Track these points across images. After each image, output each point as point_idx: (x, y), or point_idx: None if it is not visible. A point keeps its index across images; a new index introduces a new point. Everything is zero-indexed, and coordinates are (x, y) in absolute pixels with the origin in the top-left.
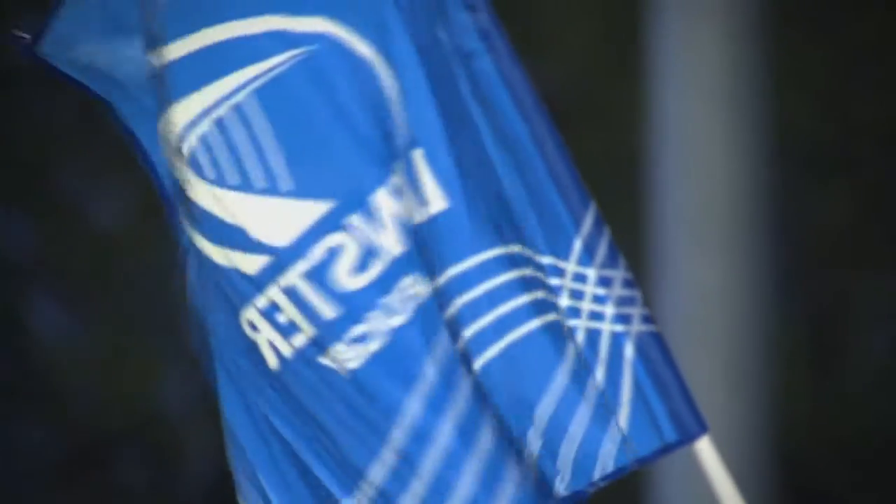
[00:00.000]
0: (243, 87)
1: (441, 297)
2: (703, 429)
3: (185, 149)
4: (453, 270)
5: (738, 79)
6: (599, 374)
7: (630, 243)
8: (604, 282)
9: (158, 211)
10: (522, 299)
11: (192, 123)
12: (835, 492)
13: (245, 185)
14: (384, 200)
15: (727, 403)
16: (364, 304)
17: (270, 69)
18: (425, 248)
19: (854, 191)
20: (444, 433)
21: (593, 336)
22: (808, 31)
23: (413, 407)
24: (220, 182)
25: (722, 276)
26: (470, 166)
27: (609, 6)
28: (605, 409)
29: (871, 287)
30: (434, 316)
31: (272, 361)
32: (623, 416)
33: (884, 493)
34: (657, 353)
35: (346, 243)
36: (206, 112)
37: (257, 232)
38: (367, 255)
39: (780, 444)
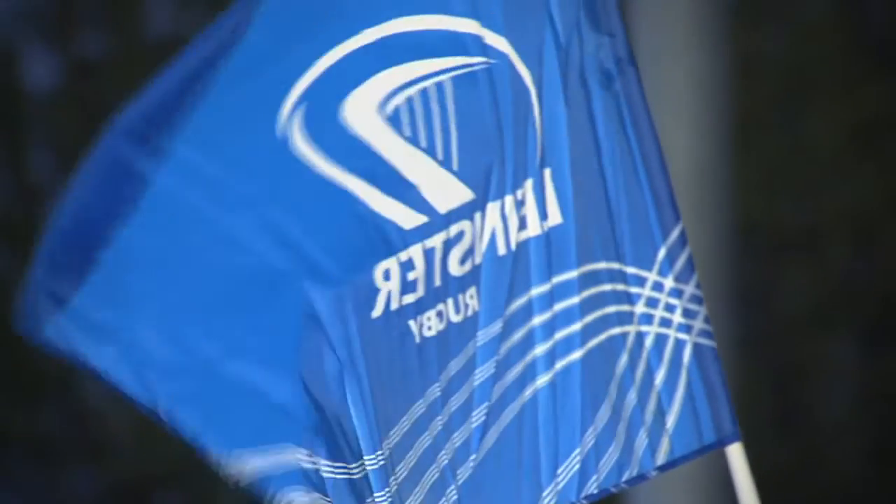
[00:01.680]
0: (447, 71)
1: (540, 302)
2: (736, 436)
3: (389, 106)
4: (557, 279)
5: (712, 191)
6: (660, 376)
7: None
8: (676, 293)
9: None
10: (608, 309)
11: (401, 87)
12: None
13: (430, 151)
14: (507, 207)
15: (695, 462)
16: (455, 289)
17: (468, 65)
18: (536, 256)
19: (812, 267)
20: (484, 425)
21: (660, 341)
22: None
23: (452, 386)
24: (413, 140)
25: None
26: (585, 185)
27: None
28: (641, 416)
29: (828, 351)
30: (520, 319)
31: (377, 311)
32: (672, 416)
33: None
34: (710, 364)
35: (466, 232)
36: (414, 81)
37: (427, 193)
38: (471, 250)
39: None
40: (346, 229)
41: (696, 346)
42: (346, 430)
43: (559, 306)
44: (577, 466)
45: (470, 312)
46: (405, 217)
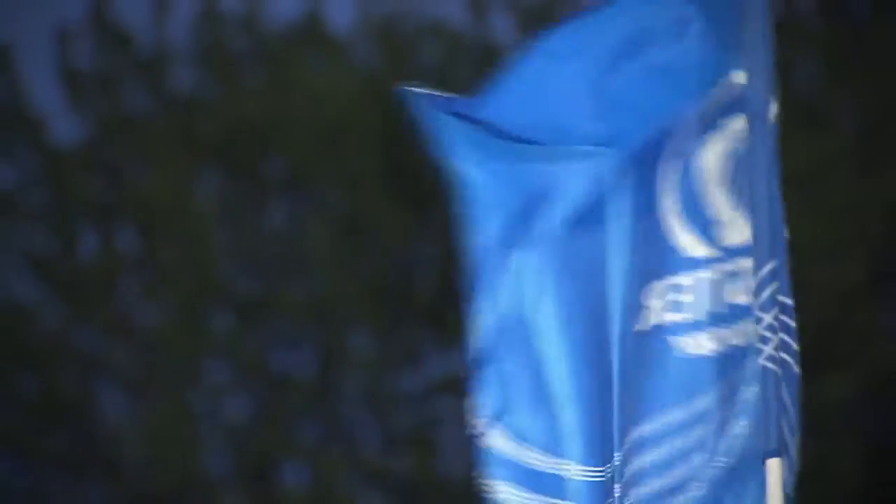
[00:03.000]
0: (741, 132)
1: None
2: (777, 453)
3: (728, 166)
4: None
5: None
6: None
7: None
8: (756, 319)
9: (192, 314)
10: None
11: (732, 145)
12: None
13: (737, 199)
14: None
15: None
16: (730, 318)
17: (739, 132)
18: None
19: None
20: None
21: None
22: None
23: (697, 405)
24: (731, 190)
25: None
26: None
27: None
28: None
29: None
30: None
31: (644, 325)
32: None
33: None
34: (770, 386)
35: (746, 269)
36: (737, 138)
37: (725, 230)
38: (748, 286)
39: None
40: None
41: (764, 370)
42: (605, 434)
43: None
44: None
45: (747, 340)
46: (696, 246)
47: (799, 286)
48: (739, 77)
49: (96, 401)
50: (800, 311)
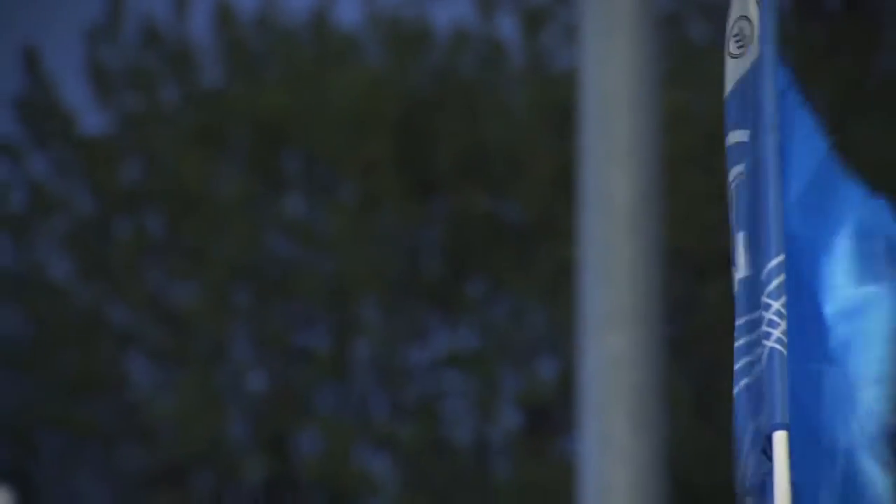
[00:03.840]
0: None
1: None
2: (784, 427)
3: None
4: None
5: (642, 215)
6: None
7: (570, 323)
8: (766, 306)
9: (217, 293)
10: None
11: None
12: (711, 498)
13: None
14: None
15: (632, 441)
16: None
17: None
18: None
19: (728, 282)
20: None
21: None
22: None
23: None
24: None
25: (629, 346)
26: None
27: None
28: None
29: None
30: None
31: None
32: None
33: None
34: (777, 366)
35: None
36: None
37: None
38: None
39: (672, 469)
40: None
41: (771, 350)
42: None
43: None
44: None
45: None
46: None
47: None
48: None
49: (129, 374)
50: None
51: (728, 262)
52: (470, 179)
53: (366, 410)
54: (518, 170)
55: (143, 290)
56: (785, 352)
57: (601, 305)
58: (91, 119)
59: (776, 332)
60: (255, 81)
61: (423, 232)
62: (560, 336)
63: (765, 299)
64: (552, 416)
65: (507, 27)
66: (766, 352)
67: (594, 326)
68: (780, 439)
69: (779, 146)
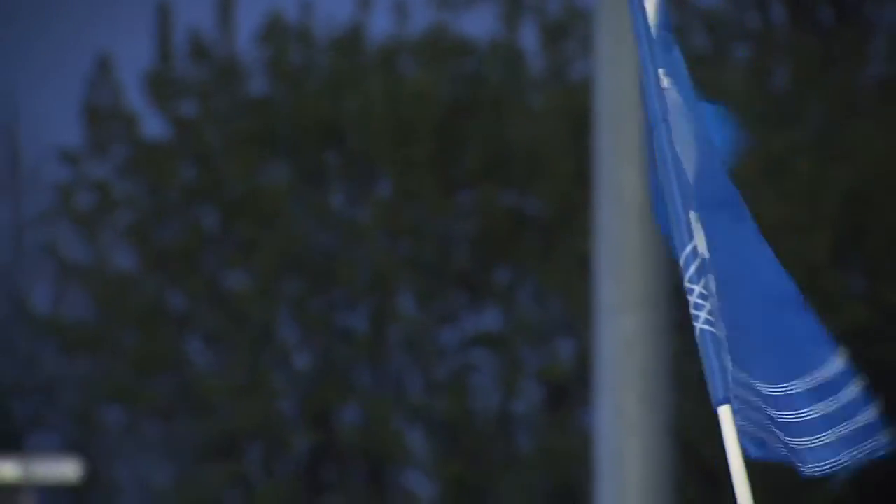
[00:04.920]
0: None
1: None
2: (727, 401)
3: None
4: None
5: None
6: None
7: (586, 307)
8: (689, 291)
9: (267, 281)
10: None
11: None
12: (715, 465)
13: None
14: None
15: (643, 414)
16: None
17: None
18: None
19: None
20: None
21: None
22: None
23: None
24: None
25: (640, 328)
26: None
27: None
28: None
29: None
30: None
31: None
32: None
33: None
34: (710, 344)
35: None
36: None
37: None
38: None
39: (679, 440)
40: None
41: (702, 331)
42: None
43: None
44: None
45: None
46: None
47: None
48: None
49: (187, 354)
50: None
51: None
52: (496, 177)
53: (402, 386)
54: (539, 168)
55: (198, 279)
56: (714, 330)
57: (615, 291)
58: (151, 124)
59: (703, 314)
60: (300, 89)
61: (453, 224)
62: (577, 319)
63: (687, 284)
64: (570, 391)
65: (530, 40)
66: (697, 333)
67: (608, 310)
68: (724, 413)
69: (670, 138)
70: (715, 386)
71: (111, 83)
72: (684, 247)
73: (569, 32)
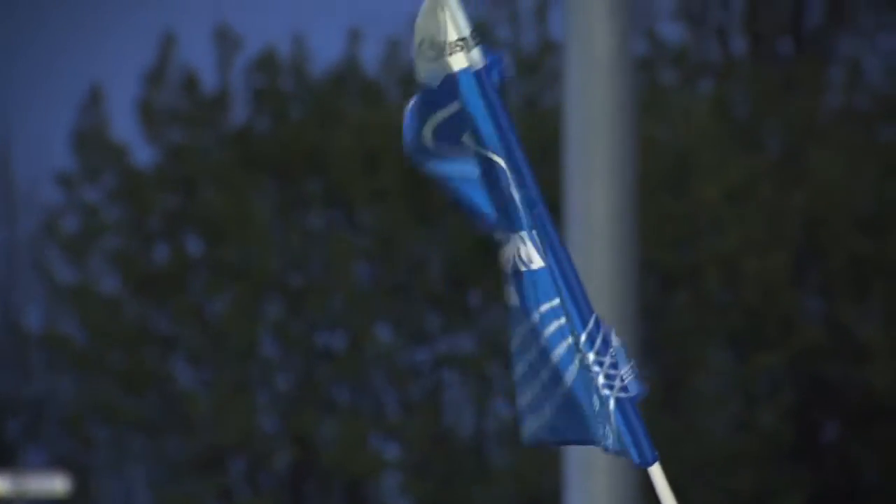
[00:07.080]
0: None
1: (540, 324)
2: (655, 459)
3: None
4: (543, 307)
5: (618, 230)
6: (598, 407)
7: None
8: (598, 363)
9: (249, 304)
10: (569, 339)
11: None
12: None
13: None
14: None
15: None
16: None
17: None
18: (529, 286)
19: (693, 293)
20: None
21: (593, 387)
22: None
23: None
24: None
25: None
26: (554, 248)
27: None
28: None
29: (703, 356)
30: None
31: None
32: (611, 435)
33: (711, 488)
34: (630, 410)
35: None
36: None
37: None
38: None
39: None
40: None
41: (618, 400)
42: None
43: (549, 330)
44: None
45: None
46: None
47: (731, 280)
48: None
49: (171, 373)
50: (733, 300)
51: (692, 273)
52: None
53: (378, 405)
54: None
55: (183, 301)
56: (631, 395)
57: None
58: (140, 151)
59: (616, 383)
60: (283, 120)
61: (426, 249)
62: None
63: (595, 357)
64: None
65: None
66: (612, 404)
67: None
68: (656, 472)
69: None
70: (642, 448)
71: (100, 113)
72: (586, 323)
73: (538, 66)
